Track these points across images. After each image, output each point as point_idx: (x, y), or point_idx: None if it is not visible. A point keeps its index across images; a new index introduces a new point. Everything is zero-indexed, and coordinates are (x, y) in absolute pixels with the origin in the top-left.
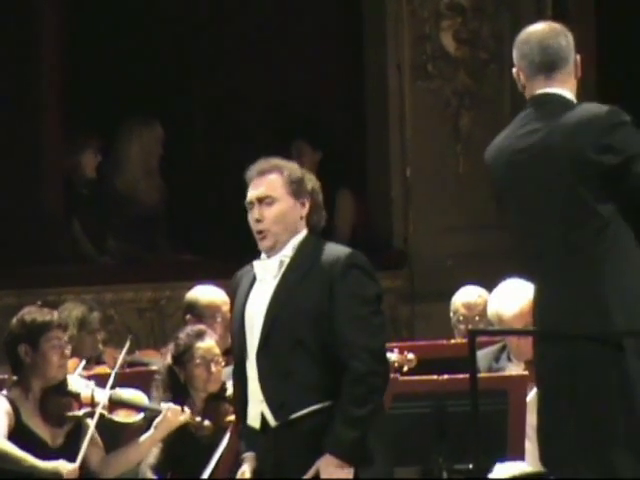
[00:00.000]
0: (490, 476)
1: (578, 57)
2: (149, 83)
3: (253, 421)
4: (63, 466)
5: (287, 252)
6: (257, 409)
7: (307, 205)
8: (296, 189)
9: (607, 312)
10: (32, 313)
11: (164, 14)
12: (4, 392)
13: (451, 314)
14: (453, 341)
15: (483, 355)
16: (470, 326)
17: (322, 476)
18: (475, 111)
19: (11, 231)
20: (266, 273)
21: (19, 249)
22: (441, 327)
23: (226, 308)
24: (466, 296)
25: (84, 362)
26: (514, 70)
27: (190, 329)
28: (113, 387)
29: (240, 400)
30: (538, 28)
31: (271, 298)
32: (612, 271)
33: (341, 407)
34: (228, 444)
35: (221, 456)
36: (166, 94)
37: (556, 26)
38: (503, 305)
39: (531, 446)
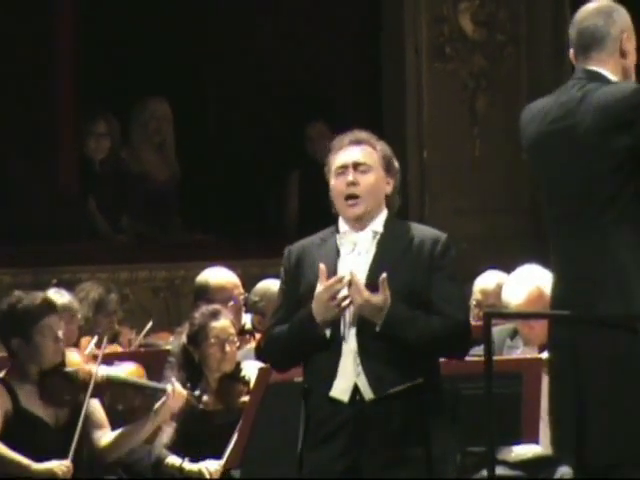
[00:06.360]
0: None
1: (625, 35)
2: (163, 64)
3: (340, 394)
4: (57, 467)
5: (378, 227)
6: (349, 382)
7: (392, 185)
8: (387, 165)
9: (605, 291)
10: (21, 302)
11: None
12: (0, 375)
13: (472, 296)
14: None
15: (497, 331)
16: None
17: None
18: (492, 93)
19: (27, 209)
20: (358, 245)
21: (34, 227)
22: None
23: (237, 291)
24: (484, 282)
25: (95, 339)
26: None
27: (205, 308)
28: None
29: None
30: (582, 9)
31: (370, 271)
32: (617, 245)
33: (429, 319)
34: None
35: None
36: (180, 75)
37: (602, 5)
38: (510, 294)
39: (544, 429)
